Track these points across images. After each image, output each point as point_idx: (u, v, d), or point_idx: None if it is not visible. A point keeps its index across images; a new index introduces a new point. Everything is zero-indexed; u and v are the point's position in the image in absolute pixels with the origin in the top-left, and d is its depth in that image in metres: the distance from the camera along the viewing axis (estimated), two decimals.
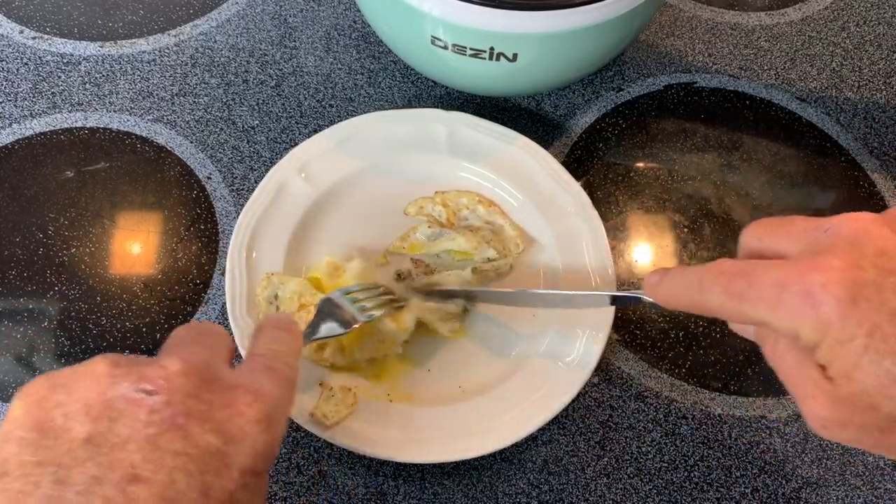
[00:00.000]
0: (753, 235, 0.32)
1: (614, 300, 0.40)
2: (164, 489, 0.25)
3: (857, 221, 0.28)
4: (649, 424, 0.44)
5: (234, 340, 0.32)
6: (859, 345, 0.25)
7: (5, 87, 0.55)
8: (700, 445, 0.44)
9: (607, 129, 0.55)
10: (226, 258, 0.46)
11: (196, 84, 0.56)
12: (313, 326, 0.41)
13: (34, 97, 0.55)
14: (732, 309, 0.29)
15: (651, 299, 0.34)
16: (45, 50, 0.57)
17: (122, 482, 0.25)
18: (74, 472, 0.25)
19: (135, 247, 0.49)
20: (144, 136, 0.53)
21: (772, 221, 0.31)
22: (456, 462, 0.42)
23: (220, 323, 0.46)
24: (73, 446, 0.25)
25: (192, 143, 0.53)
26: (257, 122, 0.54)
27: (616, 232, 0.51)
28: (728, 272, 0.29)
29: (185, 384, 0.28)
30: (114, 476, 0.25)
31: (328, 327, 0.41)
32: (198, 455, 0.26)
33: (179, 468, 0.26)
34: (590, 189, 0.51)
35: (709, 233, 0.51)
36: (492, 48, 0.46)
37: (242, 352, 0.42)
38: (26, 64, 0.56)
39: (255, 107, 0.55)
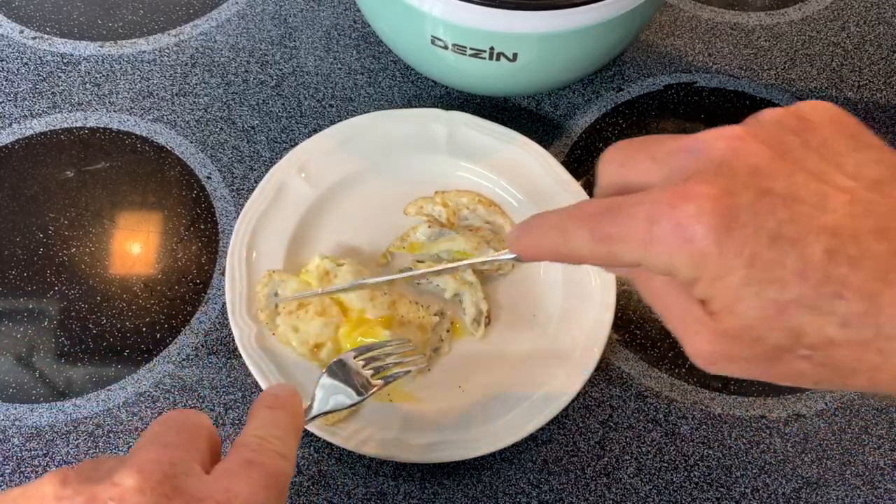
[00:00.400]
0: (613, 163, 0.27)
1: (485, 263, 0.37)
2: None
3: (723, 139, 0.25)
4: (649, 424, 0.44)
5: (215, 430, 0.30)
6: (739, 277, 0.23)
7: (5, 87, 0.55)
8: (700, 445, 0.44)
9: (607, 129, 0.55)
10: (226, 258, 0.46)
11: (196, 84, 0.56)
12: (323, 399, 0.38)
13: (34, 97, 0.55)
14: (603, 254, 0.26)
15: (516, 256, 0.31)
16: (45, 50, 0.57)
17: None
18: None
19: (135, 247, 0.49)
20: (144, 136, 0.53)
21: (631, 144, 0.27)
22: (456, 462, 0.42)
23: (219, 323, 0.46)
24: None
25: (192, 143, 0.53)
26: (257, 122, 0.54)
27: None
28: (592, 213, 0.26)
29: (142, 503, 0.25)
30: None
31: (336, 400, 0.38)
32: None
33: None
34: (590, 189, 0.51)
35: None
36: (492, 48, 0.46)
37: (242, 350, 0.43)
38: (26, 64, 0.56)
39: (255, 107, 0.55)
